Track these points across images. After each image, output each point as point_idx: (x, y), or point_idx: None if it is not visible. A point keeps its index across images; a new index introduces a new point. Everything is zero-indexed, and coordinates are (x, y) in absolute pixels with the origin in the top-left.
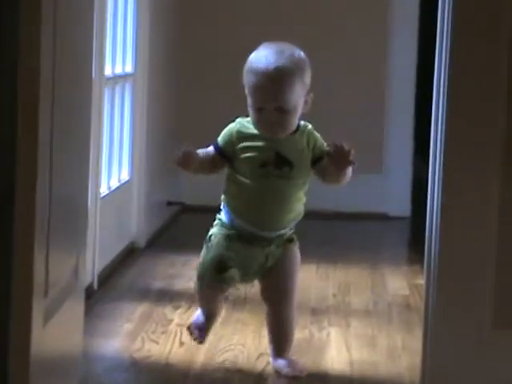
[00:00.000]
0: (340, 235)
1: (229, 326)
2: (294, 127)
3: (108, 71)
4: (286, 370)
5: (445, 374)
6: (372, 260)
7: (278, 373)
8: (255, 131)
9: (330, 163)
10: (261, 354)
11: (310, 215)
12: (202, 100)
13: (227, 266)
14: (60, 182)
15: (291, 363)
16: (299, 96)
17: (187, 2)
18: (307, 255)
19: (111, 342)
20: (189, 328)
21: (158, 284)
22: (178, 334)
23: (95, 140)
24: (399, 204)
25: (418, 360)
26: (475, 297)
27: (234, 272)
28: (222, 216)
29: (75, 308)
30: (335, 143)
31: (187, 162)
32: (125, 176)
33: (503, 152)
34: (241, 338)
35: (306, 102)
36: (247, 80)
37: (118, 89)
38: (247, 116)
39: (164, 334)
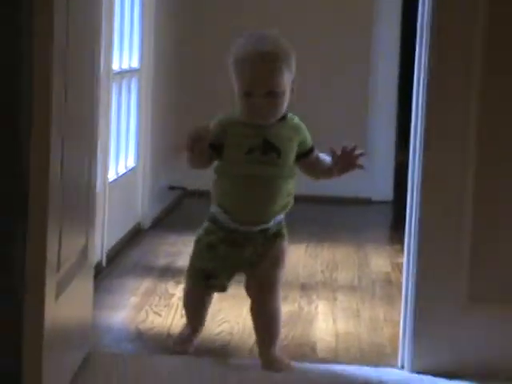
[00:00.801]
0: (327, 218)
1: (226, 300)
2: (281, 113)
3: (115, 66)
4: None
5: (423, 344)
6: (357, 240)
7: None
8: (241, 119)
9: (334, 163)
10: None
11: (300, 199)
12: (202, 93)
13: (214, 274)
14: (71, 169)
15: (278, 364)
16: (287, 81)
17: (190, 1)
18: (297, 235)
19: (118, 314)
20: (174, 341)
21: (161, 261)
22: (180, 307)
23: (104, 130)
24: (382, 189)
25: (398, 331)
26: (451, 272)
27: (220, 279)
28: (211, 209)
29: (85, 283)
30: (345, 147)
31: (200, 138)
32: (131, 163)
33: (477, 139)
34: (237, 312)
35: (292, 89)
36: (236, 66)
37: (124, 83)
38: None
39: (166, 307)
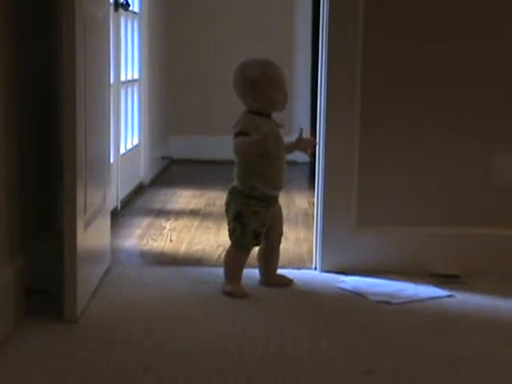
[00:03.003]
0: None
1: (200, 229)
2: None
3: (123, 77)
4: (287, 282)
5: (328, 254)
6: (287, 188)
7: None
8: (261, 117)
9: (292, 144)
10: (218, 246)
11: None
12: (186, 93)
13: (261, 233)
14: (91, 147)
15: (283, 278)
16: None
17: (175, 31)
18: None
19: (128, 241)
20: (237, 295)
21: (156, 206)
22: (169, 235)
23: (117, 120)
24: (303, 155)
25: (312, 246)
26: (345, 206)
27: (262, 235)
28: (241, 189)
29: (104, 220)
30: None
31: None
32: (135, 141)
33: (361, 122)
34: (207, 236)
35: None
36: (264, 77)
37: (129, 89)
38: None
39: (160, 236)
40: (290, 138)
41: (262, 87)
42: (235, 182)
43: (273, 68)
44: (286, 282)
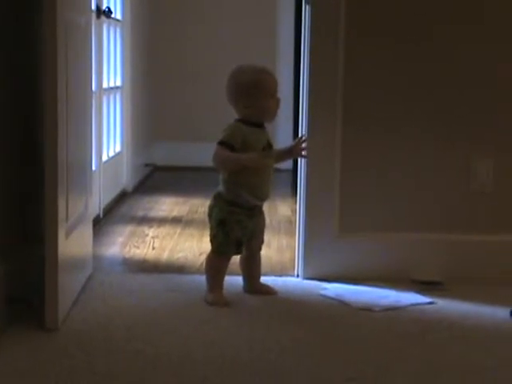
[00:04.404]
0: None
1: (182, 237)
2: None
3: (105, 85)
4: (270, 292)
5: (310, 261)
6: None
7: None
8: (251, 127)
9: (287, 152)
10: (201, 253)
11: None
12: (165, 101)
13: (242, 242)
14: (74, 153)
15: (267, 287)
16: None
17: (158, 38)
18: None
19: (110, 248)
20: (215, 303)
21: (139, 213)
22: (151, 242)
23: (99, 127)
24: (286, 162)
25: (294, 253)
26: (327, 213)
27: (244, 244)
28: (225, 196)
29: (86, 228)
30: (300, 139)
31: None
32: (118, 149)
33: (342, 129)
34: (189, 244)
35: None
36: (257, 82)
37: (111, 96)
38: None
39: (143, 243)
40: (282, 146)
41: (254, 94)
42: (220, 188)
43: (266, 75)
44: (270, 292)
